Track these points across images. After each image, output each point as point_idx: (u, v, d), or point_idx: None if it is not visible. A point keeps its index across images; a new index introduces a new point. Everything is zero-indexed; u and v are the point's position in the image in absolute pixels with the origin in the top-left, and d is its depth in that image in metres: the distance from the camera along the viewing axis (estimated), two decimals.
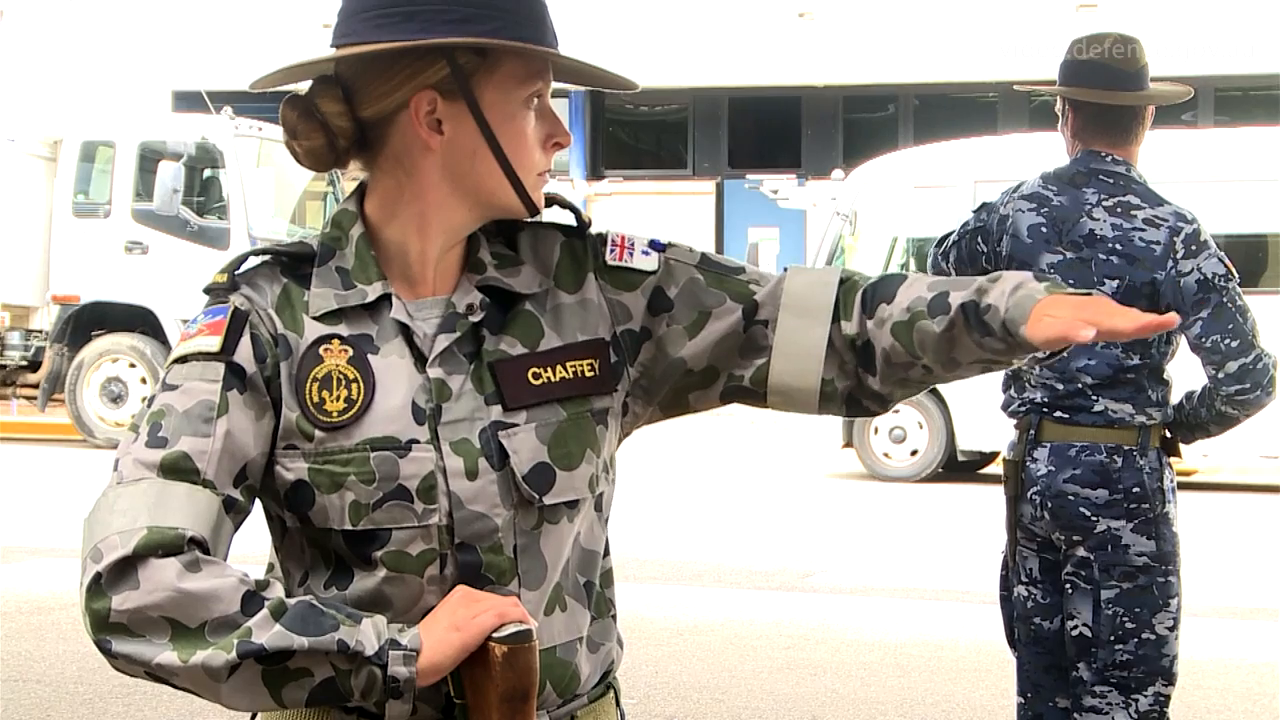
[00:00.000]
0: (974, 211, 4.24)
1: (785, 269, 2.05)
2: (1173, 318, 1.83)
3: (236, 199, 15.66)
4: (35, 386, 16.21)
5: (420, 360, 1.91)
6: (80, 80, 20.42)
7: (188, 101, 19.42)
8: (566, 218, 2.02)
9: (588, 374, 1.96)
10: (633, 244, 2.02)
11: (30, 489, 12.51)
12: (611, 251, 2.01)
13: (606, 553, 2.02)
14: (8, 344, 16.20)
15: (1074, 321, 1.82)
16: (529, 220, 2.00)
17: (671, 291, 2.01)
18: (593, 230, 2.03)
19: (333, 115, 1.93)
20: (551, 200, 2.01)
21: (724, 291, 2.01)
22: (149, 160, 15.71)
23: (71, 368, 15.59)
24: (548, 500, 1.92)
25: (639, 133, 24.92)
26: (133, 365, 15.56)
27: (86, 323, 15.82)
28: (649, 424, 2.07)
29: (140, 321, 15.61)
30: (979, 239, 4.18)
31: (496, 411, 1.91)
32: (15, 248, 15.82)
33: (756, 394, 2.02)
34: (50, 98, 19.07)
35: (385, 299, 1.92)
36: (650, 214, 22.43)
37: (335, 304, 1.91)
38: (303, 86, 1.96)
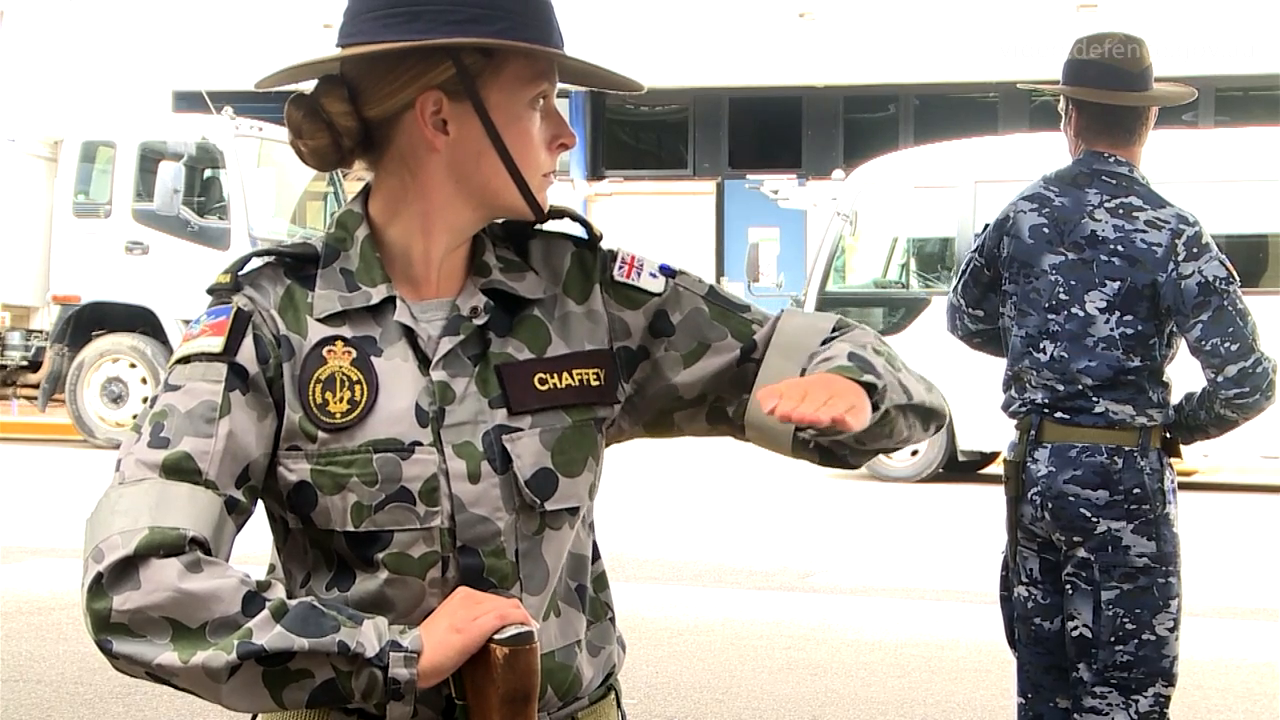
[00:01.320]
0: (976, 235, 4.28)
1: (782, 310, 2.06)
2: (822, 421, 1.78)
3: (237, 199, 15.65)
4: (35, 386, 16.20)
5: (424, 362, 1.91)
6: (80, 80, 20.40)
7: (188, 101, 19.40)
8: (578, 230, 2.02)
9: (593, 383, 1.97)
10: (641, 264, 2.02)
11: (30, 489, 12.51)
12: (620, 268, 2.01)
13: (597, 557, 2.02)
14: (8, 344, 16.19)
15: (769, 393, 1.82)
16: (541, 229, 2.00)
17: (675, 317, 2.01)
18: (604, 245, 2.03)
19: (338, 115, 1.93)
20: (564, 213, 2.01)
21: (726, 327, 2.01)
22: (149, 160, 15.70)
23: (72, 368, 15.58)
24: (550, 506, 1.92)
25: (639, 133, 24.90)
26: (133, 365, 15.55)
27: (87, 323, 15.81)
28: (630, 440, 2.08)
29: (140, 322, 15.60)
30: (977, 254, 4.20)
31: (501, 415, 1.91)
32: (15, 248, 15.81)
33: (737, 426, 2.03)
34: (50, 98, 19.05)
35: (389, 301, 1.92)
36: (651, 214, 22.42)
37: (339, 306, 1.91)
38: (308, 86, 1.96)
